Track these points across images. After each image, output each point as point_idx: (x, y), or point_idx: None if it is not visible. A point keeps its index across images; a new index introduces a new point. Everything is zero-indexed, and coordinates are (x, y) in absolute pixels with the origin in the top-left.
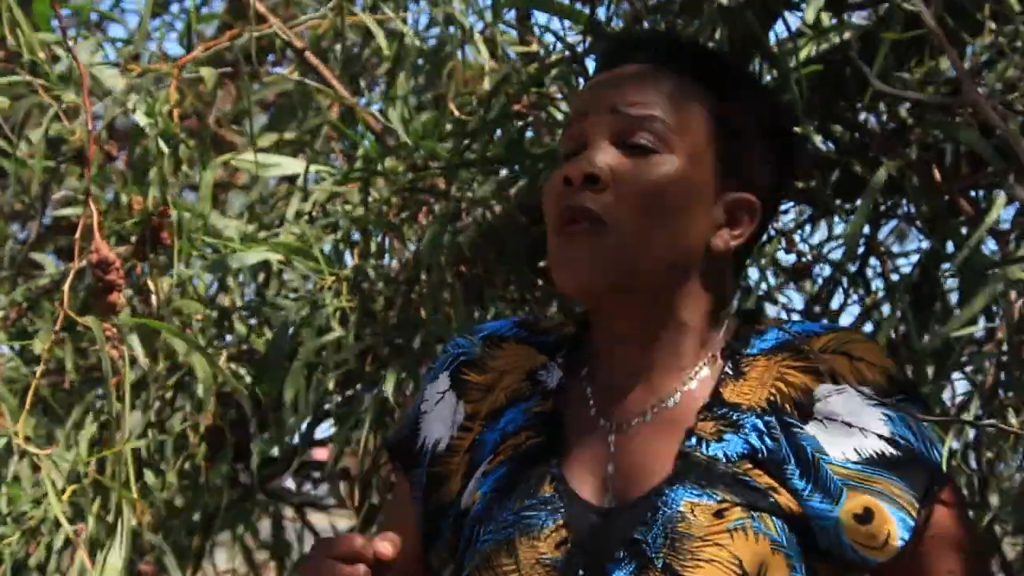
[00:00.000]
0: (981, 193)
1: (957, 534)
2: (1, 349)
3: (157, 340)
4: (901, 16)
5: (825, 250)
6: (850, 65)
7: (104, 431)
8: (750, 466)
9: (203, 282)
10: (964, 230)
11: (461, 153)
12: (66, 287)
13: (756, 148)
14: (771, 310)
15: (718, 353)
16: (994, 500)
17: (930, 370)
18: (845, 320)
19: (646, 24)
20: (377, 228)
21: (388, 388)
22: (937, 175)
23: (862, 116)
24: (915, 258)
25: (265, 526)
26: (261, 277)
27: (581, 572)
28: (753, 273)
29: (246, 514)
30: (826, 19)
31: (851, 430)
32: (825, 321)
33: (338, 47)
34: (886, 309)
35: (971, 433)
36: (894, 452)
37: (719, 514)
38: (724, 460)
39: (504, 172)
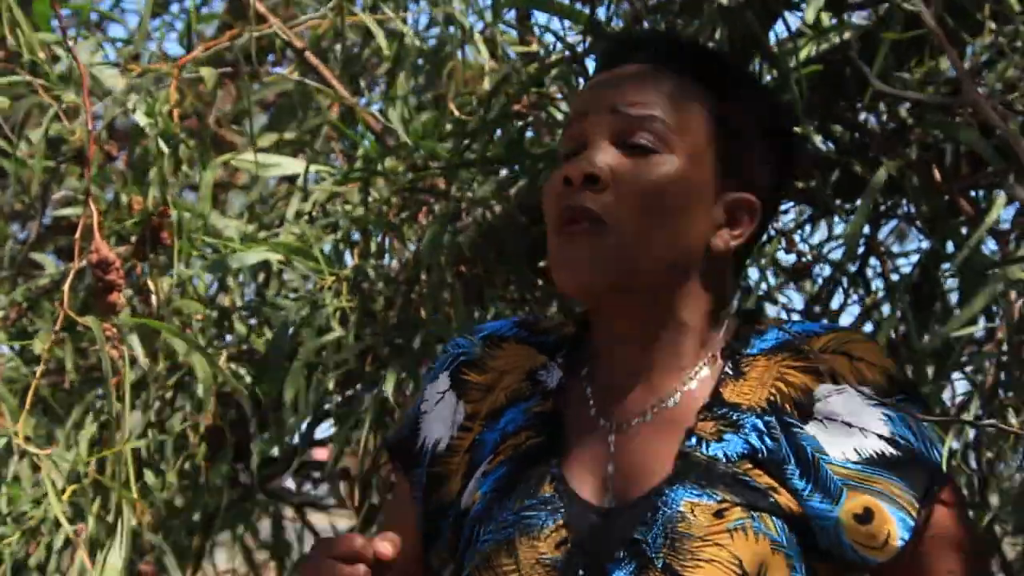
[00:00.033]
0: (981, 193)
1: (957, 534)
2: (1, 349)
3: (157, 340)
4: (901, 16)
5: (825, 250)
6: (850, 65)
7: (104, 431)
8: (750, 466)
9: (203, 282)
10: (964, 230)
11: (461, 153)
12: (66, 287)
13: (756, 148)
14: (771, 310)
15: (718, 353)
16: (994, 500)
17: (930, 370)
18: (845, 320)
19: (646, 24)
20: (377, 228)
21: (388, 388)
22: (937, 175)
23: (862, 116)
24: (915, 258)
25: (265, 526)
26: (261, 277)
27: (581, 572)
28: (753, 273)
29: (246, 514)
30: (826, 19)
31: (851, 430)
32: (825, 321)
33: (338, 47)
34: (886, 309)
35: (971, 433)
36: (894, 452)
37: (719, 514)
38: (724, 460)
39: (504, 172)
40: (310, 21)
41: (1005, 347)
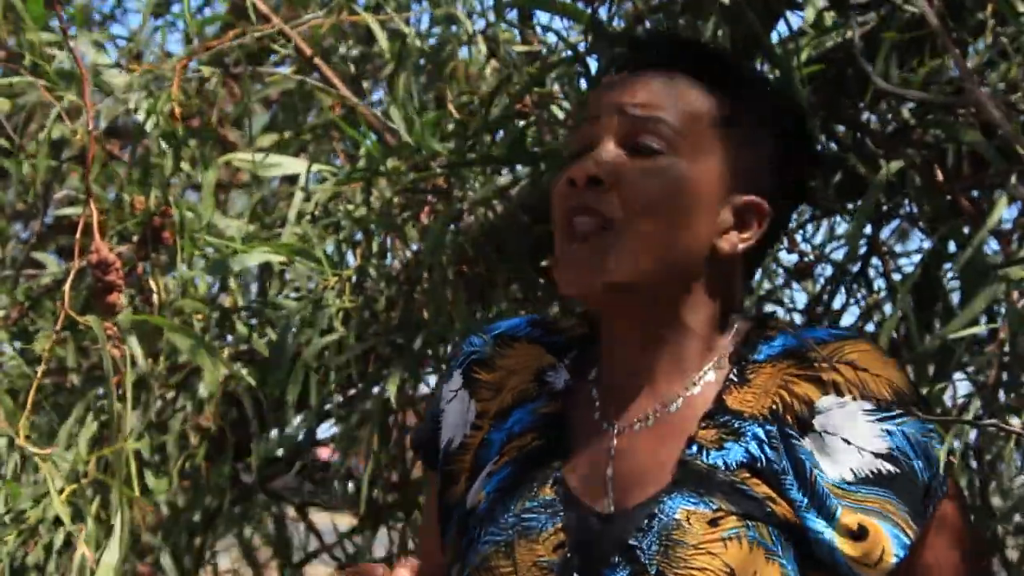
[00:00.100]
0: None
1: (955, 551)
2: (2, 348)
3: (159, 340)
4: (901, 17)
5: (827, 250)
6: (852, 65)
7: (105, 430)
8: (748, 475)
9: (204, 282)
10: (966, 230)
11: (463, 153)
12: (67, 287)
13: (766, 151)
14: (770, 310)
15: (726, 357)
16: (996, 501)
17: (931, 369)
18: (847, 320)
19: (648, 23)
20: (379, 228)
21: (391, 389)
22: (939, 175)
23: (864, 116)
24: (917, 258)
25: (266, 526)
26: (263, 277)
27: None
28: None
29: (249, 514)
30: (828, 19)
31: (849, 448)
32: (835, 328)
33: (341, 47)
34: (888, 309)
35: (972, 434)
36: (892, 469)
37: (714, 523)
38: (723, 468)
39: (506, 172)
40: (312, 21)
41: (1007, 347)
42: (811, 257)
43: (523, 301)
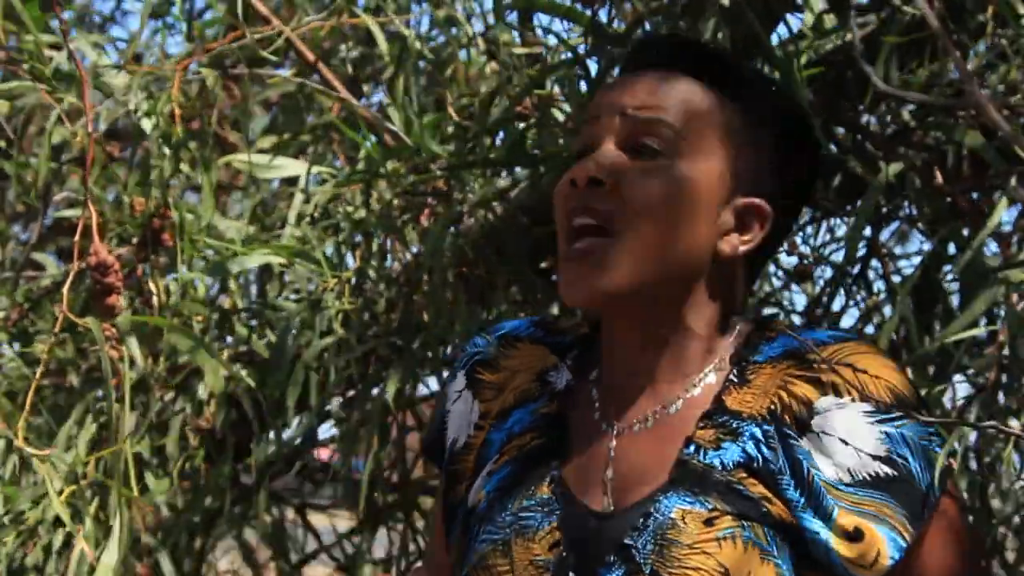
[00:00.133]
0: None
1: (953, 553)
2: (2, 349)
3: (159, 341)
4: (901, 20)
5: (827, 252)
6: (852, 67)
7: (104, 431)
8: (745, 475)
9: (203, 284)
10: (966, 232)
11: (463, 155)
12: (65, 289)
13: (768, 154)
14: (771, 312)
15: (727, 359)
16: (995, 503)
17: (931, 371)
18: (847, 322)
19: (647, 25)
20: (379, 230)
21: (390, 391)
22: (939, 177)
23: (864, 118)
24: (917, 260)
25: (266, 526)
26: (263, 279)
27: (572, 574)
28: None
29: (249, 515)
30: (828, 21)
31: (847, 448)
32: (836, 330)
33: (342, 48)
34: (887, 311)
35: (972, 436)
36: (889, 472)
37: (709, 522)
38: (720, 468)
39: (505, 174)
40: (312, 23)
41: (1006, 350)
42: (810, 259)
43: (523, 303)
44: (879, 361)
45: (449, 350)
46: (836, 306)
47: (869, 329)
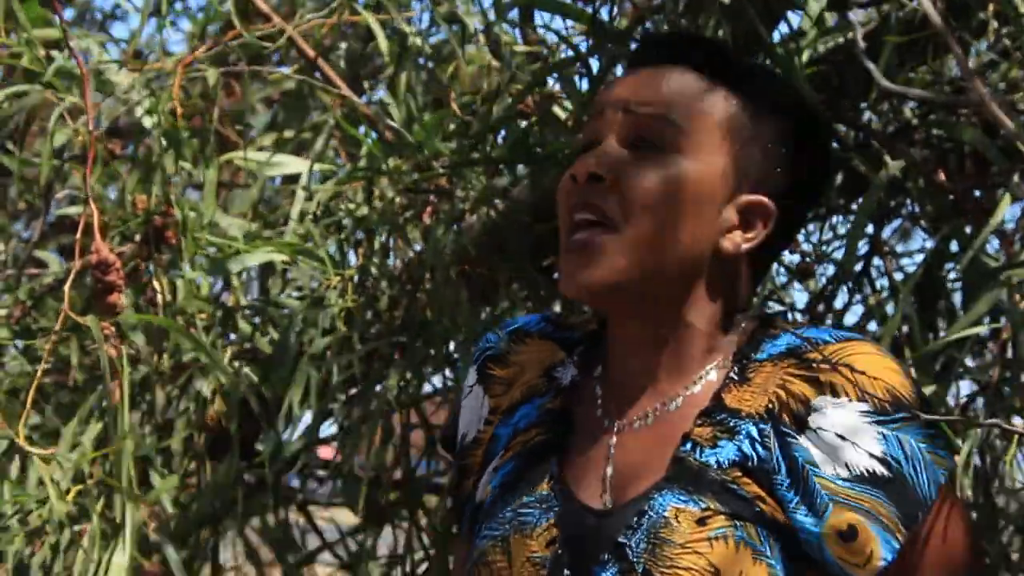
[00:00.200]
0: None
1: (951, 554)
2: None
3: (164, 339)
4: (902, 18)
5: (829, 249)
6: (852, 65)
7: (109, 430)
8: (739, 474)
9: (206, 282)
10: (968, 230)
11: (466, 153)
12: (67, 287)
13: (774, 151)
14: (775, 310)
15: (729, 357)
16: (999, 500)
17: (935, 368)
18: (849, 319)
19: (648, 23)
20: (381, 228)
21: (392, 388)
22: (941, 175)
23: (865, 116)
24: (919, 257)
25: (269, 524)
26: (265, 276)
27: (567, 572)
28: None
29: (253, 513)
30: (830, 19)
31: (844, 446)
32: (840, 328)
33: (343, 45)
34: (890, 308)
35: (977, 433)
36: (885, 472)
37: (702, 522)
38: (715, 467)
39: (507, 171)
40: (313, 20)
41: (1010, 349)
42: (812, 257)
43: (525, 300)
44: (879, 361)
45: (452, 347)
46: (838, 304)
47: (872, 327)
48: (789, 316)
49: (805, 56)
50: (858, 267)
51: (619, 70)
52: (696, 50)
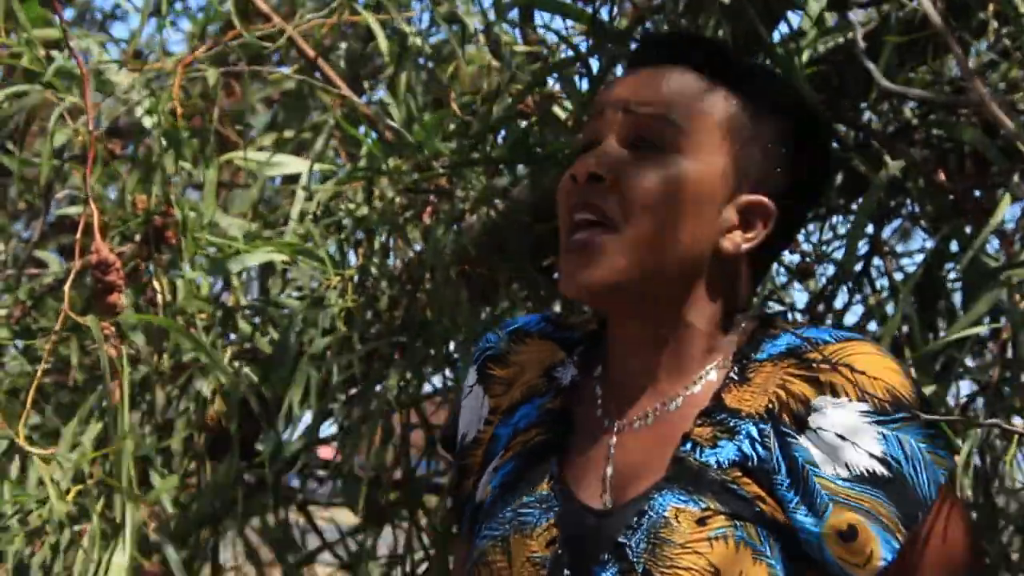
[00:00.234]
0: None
1: (951, 555)
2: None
3: (164, 338)
4: (902, 18)
5: (829, 249)
6: (852, 65)
7: (108, 430)
8: (739, 474)
9: (206, 282)
10: (968, 230)
11: (466, 153)
12: (67, 287)
13: (775, 151)
14: (775, 310)
15: (729, 357)
16: (999, 500)
17: (935, 368)
18: (849, 319)
19: (648, 23)
20: (381, 228)
21: (392, 388)
22: (941, 175)
23: (865, 116)
24: (919, 257)
25: (269, 524)
26: (265, 276)
27: (567, 572)
28: None
29: (253, 512)
30: (830, 19)
31: (844, 446)
32: (840, 328)
33: (343, 45)
34: (890, 308)
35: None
36: (885, 472)
37: (702, 522)
38: (715, 467)
39: (507, 171)
40: (313, 20)
41: (1010, 348)
42: (812, 257)
43: (525, 300)
44: (879, 361)
45: (452, 348)
46: (838, 304)
47: (872, 327)
48: (789, 316)
49: (805, 56)
50: (858, 267)
51: (619, 70)
52: (696, 50)
